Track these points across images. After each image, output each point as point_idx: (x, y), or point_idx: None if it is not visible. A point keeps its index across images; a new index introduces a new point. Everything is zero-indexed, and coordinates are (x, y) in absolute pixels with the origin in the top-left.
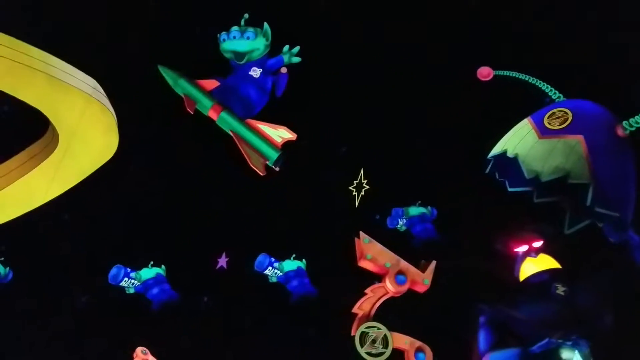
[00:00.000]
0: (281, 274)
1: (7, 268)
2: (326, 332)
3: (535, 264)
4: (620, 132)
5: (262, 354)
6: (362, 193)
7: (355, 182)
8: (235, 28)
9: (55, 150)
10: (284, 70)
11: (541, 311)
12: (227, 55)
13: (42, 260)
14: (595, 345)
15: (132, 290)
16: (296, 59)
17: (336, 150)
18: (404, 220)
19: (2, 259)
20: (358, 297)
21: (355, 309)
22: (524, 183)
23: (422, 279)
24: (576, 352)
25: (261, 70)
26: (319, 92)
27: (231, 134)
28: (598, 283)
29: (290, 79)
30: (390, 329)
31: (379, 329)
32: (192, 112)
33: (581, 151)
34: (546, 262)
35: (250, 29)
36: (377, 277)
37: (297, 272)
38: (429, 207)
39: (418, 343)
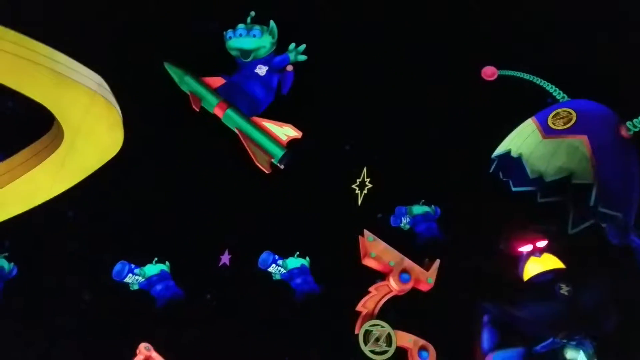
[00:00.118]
0: (285, 271)
1: (12, 264)
2: (330, 330)
3: (539, 263)
4: (624, 132)
5: (266, 352)
6: (365, 192)
7: (358, 180)
8: (241, 26)
9: (60, 147)
10: (289, 68)
11: (545, 311)
12: (233, 53)
13: (47, 256)
14: (599, 345)
15: (136, 287)
16: (302, 57)
17: (340, 148)
18: (408, 219)
19: (7, 254)
20: (362, 295)
21: (359, 307)
22: (528, 183)
23: (426, 278)
24: (581, 352)
25: (267, 68)
26: (324, 90)
27: (236, 131)
28: (602, 283)
29: (295, 77)
30: (394, 327)
31: (382, 327)
32: (197, 110)
33: (585, 151)
34: (550, 262)
35: (257, 27)
36: (381, 275)
37: (301, 269)
38: (433, 206)
39: (422, 341)
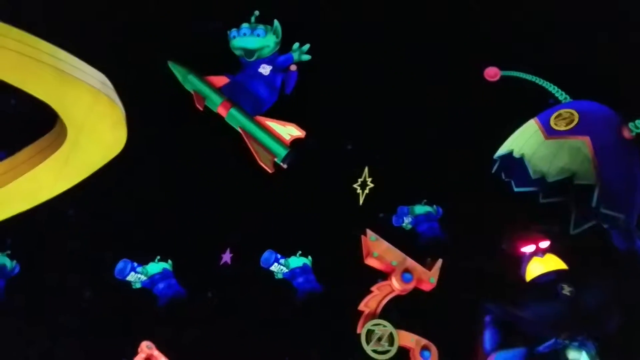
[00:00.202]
0: (287, 270)
1: (14, 262)
2: (332, 329)
3: (541, 264)
4: (626, 133)
5: (267, 350)
6: (367, 191)
7: (359, 180)
8: (245, 25)
9: (63, 145)
10: (293, 67)
11: (547, 311)
12: (237, 52)
13: (49, 254)
14: (601, 346)
15: (138, 285)
16: (306, 57)
17: (342, 147)
18: (410, 218)
19: (9, 252)
20: (364, 294)
21: (361, 307)
22: (530, 183)
23: (429, 278)
24: (583, 352)
25: (271, 67)
26: (326, 90)
27: (240, 130)
28: (604, 284)
29: (299, 76)
30: (396, 326)
31: (385, 326)
32: (201, 109)
33: (587, 152)
34: (553, 263)
35: (261, 26)
36: (383, 275)
37: (303, 268)
38: (435, 206)
39: (424, 341)
